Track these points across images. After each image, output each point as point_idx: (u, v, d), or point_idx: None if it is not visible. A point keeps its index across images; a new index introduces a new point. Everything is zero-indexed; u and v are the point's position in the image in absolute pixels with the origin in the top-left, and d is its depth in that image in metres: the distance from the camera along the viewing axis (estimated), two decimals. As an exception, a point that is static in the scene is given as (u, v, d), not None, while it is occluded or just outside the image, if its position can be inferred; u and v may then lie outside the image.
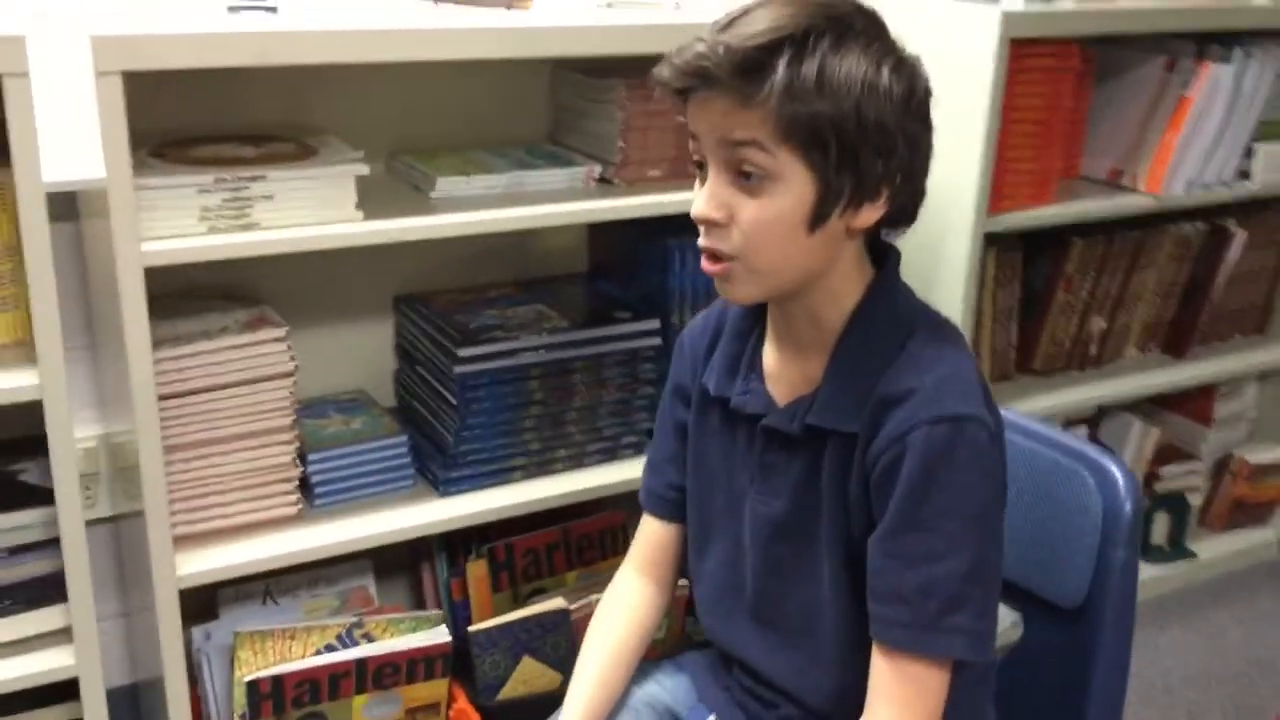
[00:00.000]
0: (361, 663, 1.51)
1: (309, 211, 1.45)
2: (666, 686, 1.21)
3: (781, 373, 1.10)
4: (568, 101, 1.79)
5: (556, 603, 1.72)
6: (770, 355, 1.11)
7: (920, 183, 1.03)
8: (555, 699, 1.73)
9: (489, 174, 1.62)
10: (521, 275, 1.88)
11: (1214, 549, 2.50)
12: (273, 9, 1.46)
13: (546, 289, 1.84)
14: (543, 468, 1.72)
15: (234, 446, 1.53)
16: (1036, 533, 1.17)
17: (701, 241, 1.02)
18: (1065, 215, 2.04)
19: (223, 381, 1.50)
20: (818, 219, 0.98)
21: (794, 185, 0.97)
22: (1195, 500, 2.50)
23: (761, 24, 0.95)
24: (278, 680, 1.47)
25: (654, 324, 1.73)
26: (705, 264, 1.03)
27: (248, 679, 1.46)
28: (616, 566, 1.91)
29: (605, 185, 1.69)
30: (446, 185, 1.59)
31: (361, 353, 1.81)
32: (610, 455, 1.76)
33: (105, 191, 1.34)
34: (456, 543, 1.81)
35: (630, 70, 1.68)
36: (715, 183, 1.00)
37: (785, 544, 1.09)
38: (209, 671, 1.61)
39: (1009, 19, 1.78)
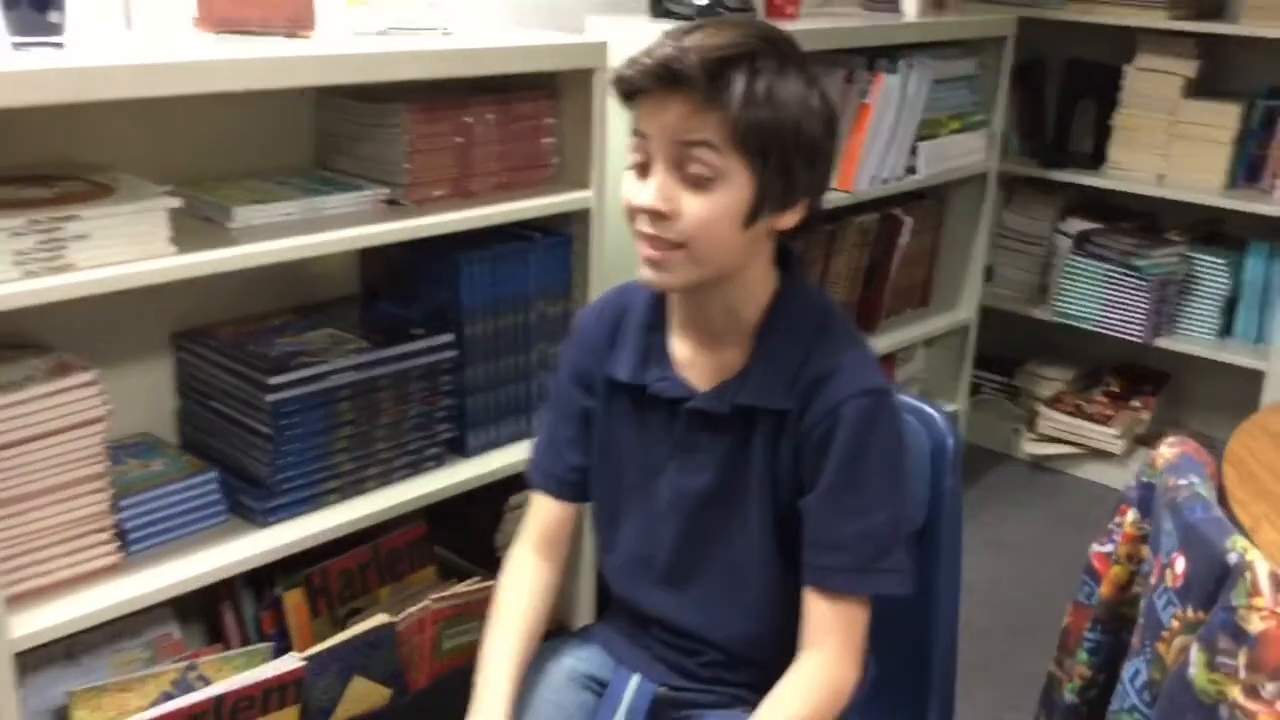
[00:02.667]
0: (219, 700, 1.49)
1: (123, 249, 1.41)
2: (581, 658, 1.30)
3: (694, 361, 1.22)
4: (337, 127, 1.82)
5: (381, 618, 1.76)
6: (680, 346, 1.23)
7: (823, 196, 1.18)
8: (388, 714, 1.78)
9: (281, 201, 1.63)
10: (297, 302, 1.88)
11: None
12: (59, 44, 1.41)
13: (326, 313, 1.85)
14: (355, 487, 1.74)
15: (48, 499, 1.46)
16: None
17: (645, 230, 1.13)
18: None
19: (34, 433, 1.43)
20: (752, 217, 1.11)
21: (735, 185, 1.10)
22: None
23: (720, 38, 1.08)
24: (136, 732, 1.42)
25: (449, 338, 1.79)
26: (645, 248, 1.13)
27: (106, 735, 1.40)
28: (425, 579, 1.98)
29: (393, 207, 1.73)
30: (245, 214, 1.58)
31: (140, 394, 1.75)
32: (415, 469, 1.81)
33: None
34: (261, 576, 1.79)
35: (407, 94, 1.74)
36: (663, 178, 1.11)
37: (709, 511, 1.21)
38: (31, 742, 1.52)
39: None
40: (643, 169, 1.13)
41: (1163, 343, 3.01)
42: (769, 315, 1.19)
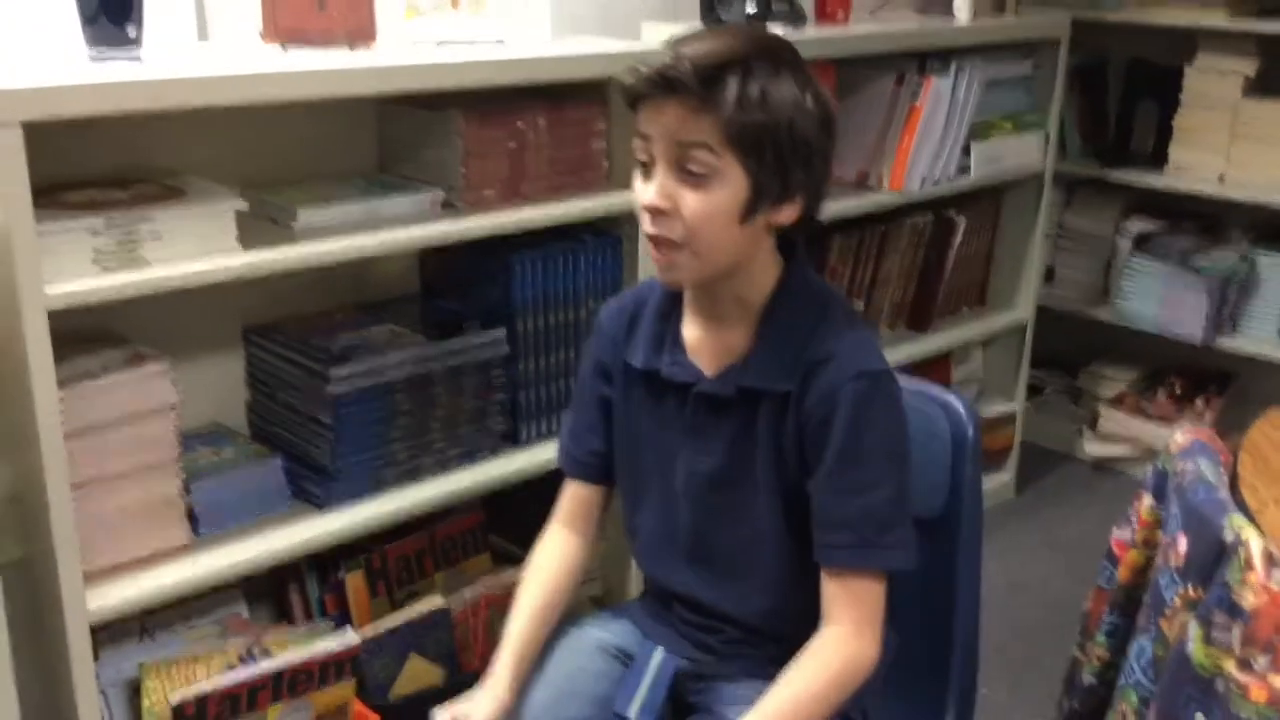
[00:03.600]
0: (278, 673, 1.58)
1: (194, 247, 1.52)
2: (612, 630, 1.37)
3: (704, 346, 1.28)
4: (398, 133, 1.91)
5: (435, 602, 1.84)
6: (692, 332, 1.29)
7: (823, 192, 1.24)
8: (442, 691, 1.86)
9: (342, 204, 1.73)
10: (360, 299, 1.97)
11: (962, 496, 2.87)
12: (137, 58, 1.51)
13: (387, 310, 1.94)
14: (412, 475, 1.82)
15: (124, 481, 1.56)
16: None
17: (648, 228, 1.20)
18: (827, 213, 2.32)
19: (113, 418, 1.54)
20: (748, 213, 1.17)
21: (731, 183, 1.16)
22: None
23: (716, 45, 1.14)
24: (202, 700, 1.52)
25: (500, 333, 1.88)
26: (654, 253, 1.21)
27: (174, 702, 1.50)
28: (479, 566, 2.06)
29: (449, 209, 1.82)
30: (308, 215, 1.68)
31: (212, 386, 1.85)
32: (469, 459, 1.89)
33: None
34: (325, 560, 1.89)
35: (461, 102, 1.82)
36: (663, 177, 1.17)
37: (720, 492, 1.27)
38: (107, 710, 1.62)
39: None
40: (646, 170, 1.20)
41: (1226, 343, 2.99)
42: (771, 301, 1.25)
